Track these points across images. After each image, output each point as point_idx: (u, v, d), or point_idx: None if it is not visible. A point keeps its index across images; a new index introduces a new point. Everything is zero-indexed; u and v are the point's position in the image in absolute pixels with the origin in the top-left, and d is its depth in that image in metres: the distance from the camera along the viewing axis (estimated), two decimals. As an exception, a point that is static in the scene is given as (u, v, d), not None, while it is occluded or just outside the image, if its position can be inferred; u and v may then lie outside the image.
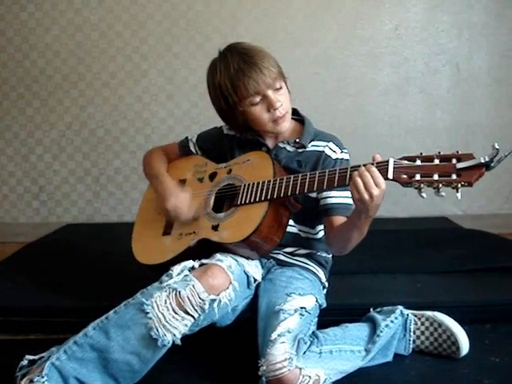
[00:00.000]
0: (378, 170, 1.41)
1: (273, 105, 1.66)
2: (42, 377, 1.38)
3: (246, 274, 1.63)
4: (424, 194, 1.36)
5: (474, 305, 1.92)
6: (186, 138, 1.95)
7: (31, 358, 1.46)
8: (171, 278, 1.48)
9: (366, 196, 1.41)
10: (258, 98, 1.66)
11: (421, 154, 1.40)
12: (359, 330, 1.62)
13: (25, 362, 1.45)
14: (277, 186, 1.59)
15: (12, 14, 3.47)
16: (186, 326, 1.45)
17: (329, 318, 1.70)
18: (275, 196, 1.58)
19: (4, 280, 2.24)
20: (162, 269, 1.55)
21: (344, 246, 1.64)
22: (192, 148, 1.92)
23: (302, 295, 1.60)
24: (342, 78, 3.49)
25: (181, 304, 1.43)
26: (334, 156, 1.74)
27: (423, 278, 2.16)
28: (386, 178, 1.40)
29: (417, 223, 3.27)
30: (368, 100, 3.51)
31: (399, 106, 3.52)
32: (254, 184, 1.64)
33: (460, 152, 1.35)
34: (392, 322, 1.63)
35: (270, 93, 1.66)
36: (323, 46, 3.46)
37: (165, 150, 1.96)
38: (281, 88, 1.69)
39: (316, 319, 1.63)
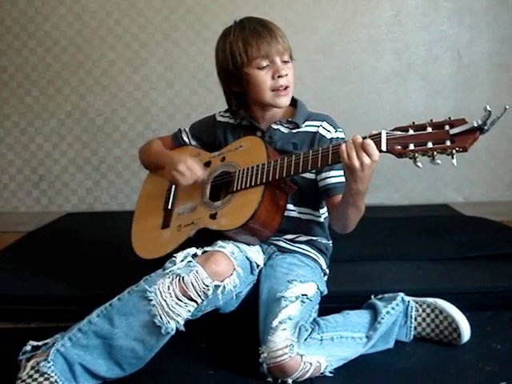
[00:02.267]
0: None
1: (279, 71, 1.67)
2: (48, 362, 1.39)
3: (248, 259, 1.63)
4: (419, 164, 1.35)
5: (475, 292, 1.92)
6: (179, 129, 1.95)
7: (35, 343, 1.47)
8: (174, 264, 1.48)
9: (357, 163, 1.39)
10: (265, 62, 1.67)
11: (413, 123, 1.39)
12: (360, 316, 1.62)
13: (28, 348, 1.46)
14: (271, 168, 1.57)
15: (10, 2, 3.45)
16: (189, 311, 1.45)
17: (330, 305, 1.70)
18: (270, 179, 1.57)
19: (5, 269, 2.25)
20: (164, 262, 1.53)
21: (344, 224, 1.63)
22: (185, 138, 1.91)
23: (303, 282, 1.61)
24: (342, 64, 3.47)
25: (184, 290, 1.43)
26: (328, 136, 1.73)
27: (424, 265, 2.16)
28: (380, 151, 1.39)
29: (418, 210, 3.27)
30: (368, 87, 3.49)
31: (400, 93, 3.50)
32: (248, 169, 1.63)
33: (452, 118, 1.34)
34: (393, 308, 1.63)
35: (278, 60, 1.67)
36: (323, 33, 3.44)
37: (160, 141, 1.95)
38: (288, 62, 1.71)
39: (317, 306, 1.63)
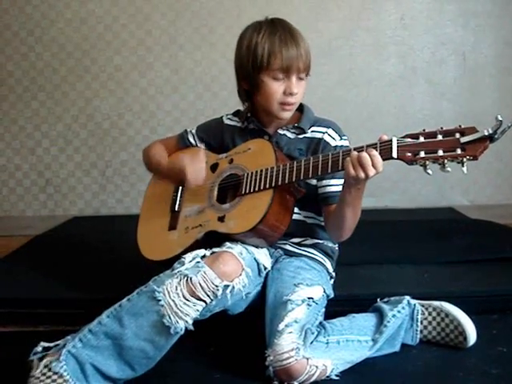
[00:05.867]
0: (382, 149, 1.41)
1: (291, 89, 1.67)
2: (60, 361, 1.40)
3: (256, 261, 1.64)
4: (430, 171, 1.36)
5: (480, 295, 1.91)
6: (185, 130, 1.95)
7: (46, 344, 1.48)
8: (183, 265, 1.49)
9: (362, 174, 1.42)
10: (282, 76, 1.67)
11: (423, 130, 1.39)
12: (366, 320, 1.62)
13: (39, 349, 1.47)
14: (280, 172, 1.58)
15: (17, 8, 3.47)
16: (198, 311, 1.45)
17: (336, 308, 1.70)
18: (280, 183, 1.58)
19: (12, 272, 2.25)
20: (172, 264, 1.54)
21: (340, 228, 1.63)
22: (191, 139, 1.91)
23: (309, 286, 1.61)
24: (347, 68, 3.49)
25: (192, 290, 1.44)
26: (333, 143, 1.74)
27: (430, 269, 2.15)
28: (391, 158, 1.40)
29: (423, 214, 3.27)
30: (374, 91, 3.50)
31: (405, 97, 3.51)
32: (257, 172, 1.63)
33: (463, 126, 1.34)
34: (399, 312, 1.63)
35: (294, 77, 1.67)
36: (328, 37, 3.45)
37: (163, 143, 1.96)
38: (302, 80, 1.71)
39: (323, 310, 1.63)
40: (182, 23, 3.46)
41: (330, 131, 1.75)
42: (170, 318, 1.42)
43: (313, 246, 1.78)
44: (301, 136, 1.76)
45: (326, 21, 3.45)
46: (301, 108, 1.80)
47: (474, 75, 3.49)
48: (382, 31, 3.47)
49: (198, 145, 1.91)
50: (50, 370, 1.40)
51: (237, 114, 1.88)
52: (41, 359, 1.43)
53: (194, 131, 1.93)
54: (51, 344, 1.48)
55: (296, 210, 1.72)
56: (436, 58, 3.48)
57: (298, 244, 1.77)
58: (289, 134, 1.77)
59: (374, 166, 1.41)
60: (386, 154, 1.41)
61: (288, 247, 1.77)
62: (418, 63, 3.49)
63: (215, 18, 3.44)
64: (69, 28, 3.49)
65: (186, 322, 1.43)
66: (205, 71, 3.48)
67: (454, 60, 3.48)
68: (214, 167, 1.80)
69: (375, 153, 1.41)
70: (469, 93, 3.49)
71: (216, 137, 1.89)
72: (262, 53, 1.66)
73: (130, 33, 3.48)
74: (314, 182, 1.71)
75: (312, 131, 1.76)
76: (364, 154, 1.42)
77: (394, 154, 1.39)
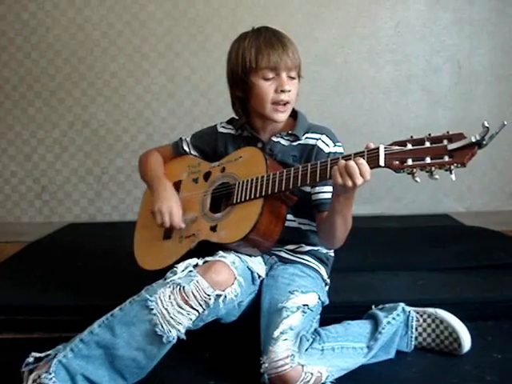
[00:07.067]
0: (370, 157, 1.41)
1: (282, 85, 1.68)
2: (50, 373, 1.38)
3: (249, 269, 1.64)
4: (418, 179, 1.35)
5: (475, 302, 1.92)
6: (180, 138, 1.95)
7: (37, 355, 1.47)
8: (175, 274, 1.49)
9: (350, 183, 1.41)
10: (271, 74, 1.68)
11: (411, 137, 1.39)
12: (361, 327, 1.62)
13: (31, 359, 1.46)
14: (270, 181, 1.58)
15: (13, 14, 3.48)
16: (191, 320, 1.45)
17: (331, 315, 1.70)
18: (269, 192, 1.58)
19: (7, 279, 2.25)
20: (166, 273, 1.54)
21: (332, 236, 1.63)
22: (186, 148, 1.92)
23: (304, 293, 1.61)
24: (342, 76, 3.50)
25: (185, 299, 1.44)
26: (326, 150, 1.73)
27: (425, 275, 2.16)
28: (378, 166, 1.39)
29: (419, 220, 3.28)
30: (369, 98, 3.51)
31: (400, 104, 3.52)
32: (247, 181, 1.63)
33: (450, 132, 1.34)
34: (394, 319, 1.63)
35: (284, 74, 1.68)
36: (323, 44, 3.46)
37: (159, 152, 1.96)
38: (294, 79, 1.72)
39: (318, 316, 1.63)
40: (179, 30, 3.47)
41: (324, 137, 1.75)
42: (162, 326, 1.42)
43: (308, 252, 1.78)
44: (295, 143, 1.76)
45: (322, 28, 3.46)
46: (295, 115, 1.80)
47: (469, 83, 3.50)
48: (377, 39, 3.48)
49: (192, 153, 1.91)
50: None
51: (231, 121, 1.88)
52: (31, 371, 1.43)
53: (188, 139, 1.93)
54: (42, 354, 1.47)
55: (291, 216, 1.72)
56: (431, 65, 3.50)
57: (293, 251, 1.78)
58: (283, 142, 1.77)
59: (361, 174, 1.41)
60: (374, 162, 1.40)
61: (283, 254, 1.77)
62: (413, 71, 3.50)
63: (211, 26, 3.45)
64: (65, 35, 3.49)
65: (179, 330, 1.43)
66: (201, 78, 3.49)
67: (449, 68, 3.50)
68: (206, 176, 1.80)
69: (362, 161, 1.41)
70: (464, 100, 3.51)
71: (210, 144, 1.89)
72: (249, 56, 1.69)
73: (126, 40, 3.49)
74: (308, 188, 1.71)
75: (306, 138, 1.76)
76: (351, 163, 1.42)
77: (382, 162, 1.38)
